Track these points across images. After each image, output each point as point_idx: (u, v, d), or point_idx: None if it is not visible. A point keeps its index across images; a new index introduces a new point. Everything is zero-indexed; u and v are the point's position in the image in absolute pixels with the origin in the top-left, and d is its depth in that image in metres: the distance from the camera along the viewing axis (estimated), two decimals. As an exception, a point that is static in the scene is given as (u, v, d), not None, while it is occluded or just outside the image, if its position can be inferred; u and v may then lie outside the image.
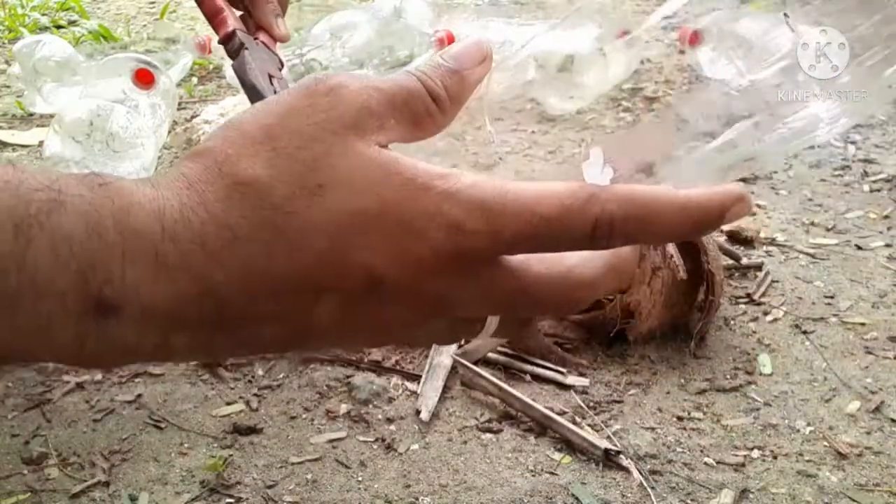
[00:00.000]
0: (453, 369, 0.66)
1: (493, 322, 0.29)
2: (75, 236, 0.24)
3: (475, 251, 0.25)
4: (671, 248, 0.66)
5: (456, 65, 0.29)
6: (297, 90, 0.27)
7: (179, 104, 1.36)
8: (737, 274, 0.83)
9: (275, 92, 0.53)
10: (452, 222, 0.25)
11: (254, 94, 0.56)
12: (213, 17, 0.58)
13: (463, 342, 0.69)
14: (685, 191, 0.25)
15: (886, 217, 0.96)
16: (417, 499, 0.54)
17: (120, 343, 0.25)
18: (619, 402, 0.63)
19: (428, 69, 0.29)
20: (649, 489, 0.54)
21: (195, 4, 0.57)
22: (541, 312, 0.36)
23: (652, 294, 0.67)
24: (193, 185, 0.26)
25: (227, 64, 1.51)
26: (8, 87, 1.54)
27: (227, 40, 0.57)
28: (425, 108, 0.28)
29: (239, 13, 0.61)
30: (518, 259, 0.26)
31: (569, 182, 0.25)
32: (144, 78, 1.13)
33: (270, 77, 0.55)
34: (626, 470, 0.56)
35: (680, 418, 0.62)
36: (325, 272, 0.25)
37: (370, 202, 0.25)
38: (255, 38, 0.58)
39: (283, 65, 0.60)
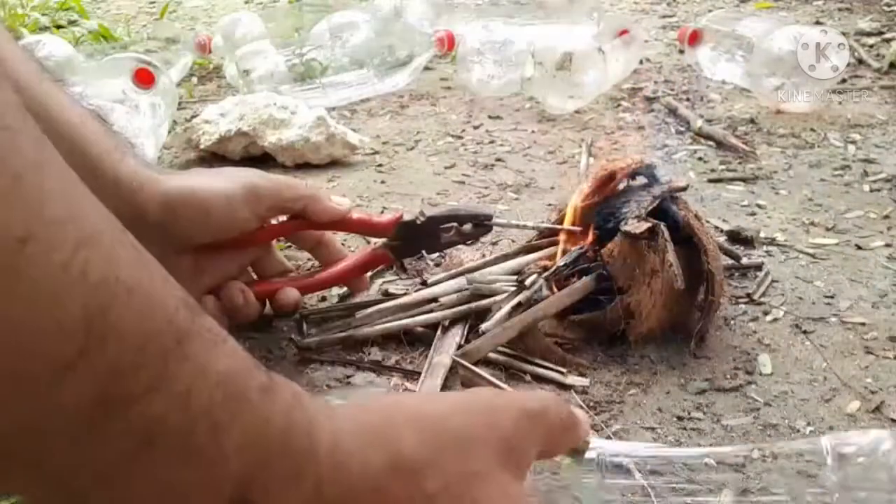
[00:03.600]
0: (453, 369, 0.66)
1: None
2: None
3: None
4: (670, 255, 0.66)
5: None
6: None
7: (179, 104, 1.35)
8: (737, 274, 0.83)
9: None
10: None
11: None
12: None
13: (462, 342, 0.69)
14: None
15: (886, 217, 0.96)
16: (417, 499, 0.54)
17: None
18: (619, 402, 0.63)
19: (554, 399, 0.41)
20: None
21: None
22: None
23: (652, 294, 0.67)
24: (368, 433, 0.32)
25: (227, 64, 1.52)
26: (8, 86, 1.54)
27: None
28: (560, 423, 0.40)
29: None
30: None
31: None
32: (144, 78, 1.13)
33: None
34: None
35: (680, 418, 0.62)
36: None
37: None
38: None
39: None
